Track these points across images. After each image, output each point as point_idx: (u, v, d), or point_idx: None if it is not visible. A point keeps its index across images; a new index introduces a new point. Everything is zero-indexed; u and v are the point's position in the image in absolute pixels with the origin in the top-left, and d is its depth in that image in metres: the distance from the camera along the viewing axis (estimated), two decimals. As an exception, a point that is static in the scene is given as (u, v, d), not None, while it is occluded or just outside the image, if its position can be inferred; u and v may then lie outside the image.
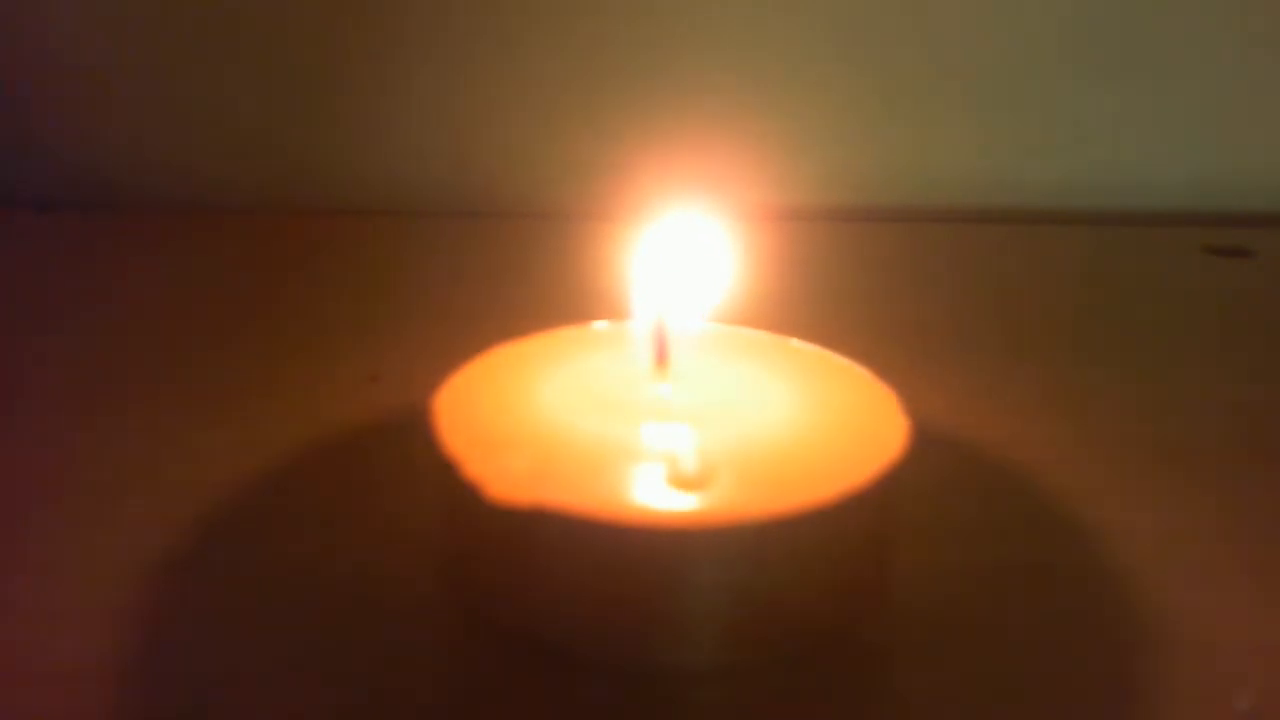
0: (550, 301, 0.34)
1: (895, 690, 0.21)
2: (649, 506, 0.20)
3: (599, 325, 0.26)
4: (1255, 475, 0.28)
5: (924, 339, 0.35)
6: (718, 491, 0.20)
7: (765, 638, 0.21)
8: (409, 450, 0.24)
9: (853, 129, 0.47)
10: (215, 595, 0.23)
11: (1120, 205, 0.48)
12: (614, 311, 0.25)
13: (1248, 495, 0.27)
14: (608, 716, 0.20)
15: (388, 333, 0.35)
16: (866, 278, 0.40)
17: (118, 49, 0.45)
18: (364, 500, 0.26)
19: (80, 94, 0.46)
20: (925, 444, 0.22)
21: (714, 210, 0.25)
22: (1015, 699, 0.21)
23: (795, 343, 0.26)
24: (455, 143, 0.46)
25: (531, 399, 0.23)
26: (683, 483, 0.20)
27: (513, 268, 0.40)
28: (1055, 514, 0.26)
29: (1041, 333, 0.36)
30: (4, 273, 0.40)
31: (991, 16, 0.45)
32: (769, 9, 0.45)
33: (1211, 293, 0.40)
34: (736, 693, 0.20)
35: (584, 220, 0.41)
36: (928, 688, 0.21)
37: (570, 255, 0.38)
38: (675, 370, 0.24)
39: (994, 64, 0.46)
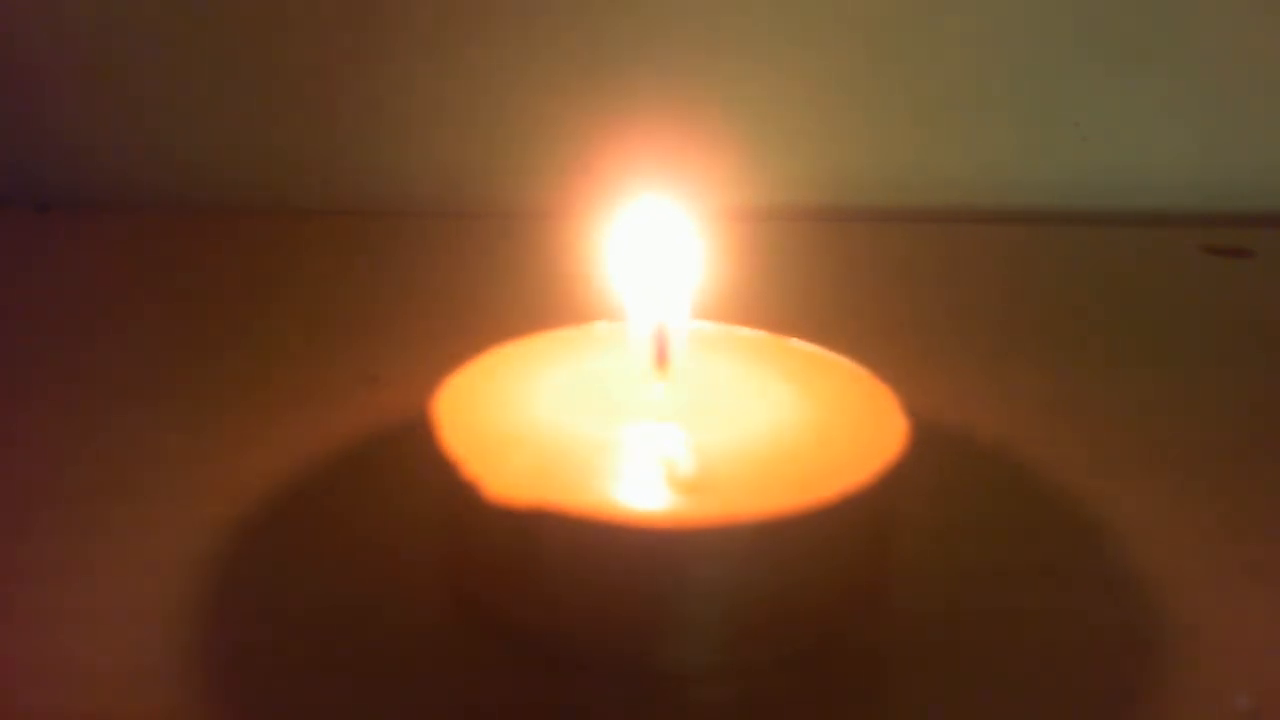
0: (550, 301, 0.34)
1: (895, 690, 0.21)
2: (648, 507, 0.20)
3: (599, 325, 0.26)
4: (1256, 475, 0.28)
5: (924, 339, 0.35)
6: (717, 492, 0.20)
7: (765, 638, 0.21)
8: (408, 450, 0.24)
9: (853, 128, 0.47)
10: (211, 595, 0.23)
11: (1120, 205, 0.48)
12: (613, 311, 0.25)
13: (1248, 495, 0.27)
14: (607, 716, 0.20)
15: (387, 333, 0.35)
16: (866, 278, 0.40)
17: (118, 49, 0.45)
18: (363, 501, 0.26)
19: (80, 94, 0.46)
20: (925, 444, 0.22)
21: (709, 207, 0.25)
22: (1015, 699, 0.21)
23: (795, 343, 0.26)
24: (454, 143, 0.46)
25: (531, 399, 0.23)
26: (682, 483, 0.20)
27: (512, 268, 0.40)
28: (1055, 514, 0.26)
29: (1042, 333, 0.36)
30: (4, 273, 0.40)
31: (991, 15, 0.45)
32: (770, 6, 0.45)
33: (1211, 293, 0.40)
34: (735, 693, 0.20)
35: (584, 220, 0.41)
36: (927, 688, 0.21)
37: (570, 255, 0.38)
38: (675, 370, 0.24)
39: (994, 63, 0.46)
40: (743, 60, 0.45)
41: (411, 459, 0.24)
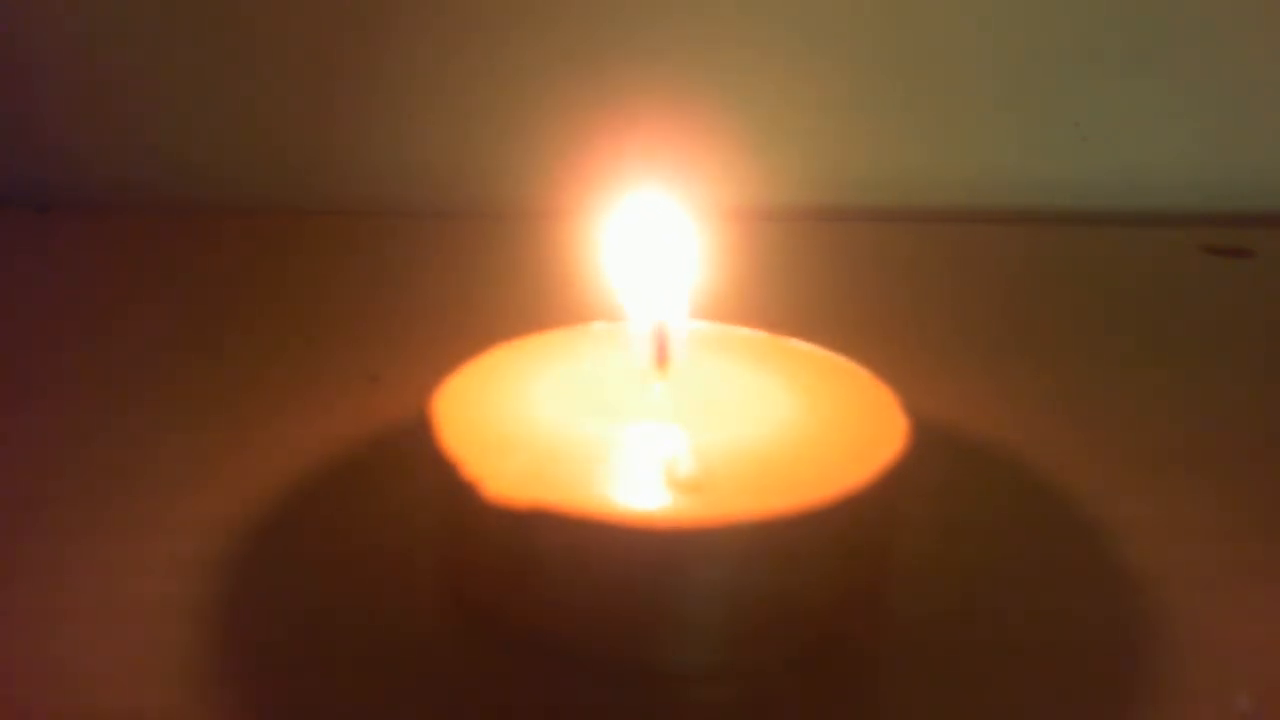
0: (548, 302, 0.34)
1: (894, 690, 0.21)
2: (648, 507, 0.20)
3: (597, 325, 0.26)
4: (1255, 474, 0.28)
5: (924, 339, 0.35)
6: (716, 492, 0.20)
7: (764, 638, 0.21)
8: (408, 451, 0.24)
9: (853, 128, 0.47)
10: (211, 595, 0.23)
11: (1120, 205, 0.48)
12: (612, 311, 0.25)
13: (1248, 494, 0.27)
14: (607, 716, 0.20)
15: (387, 333, 0.35)
16: (866, 278, 0.40)
17: (118, 49, 0.45)
18: (363, 501, 0.26)
19: (81, 94, 0.46)
20: (925, 444, 0.22)
21: (707, 206, 0.25)
22: (1014, 699, 0.21)
23: (794, 343, 0.26)
24: (453, 142, 0.46)
25: (531, 399, 0.23)
26: (681, 483, 0.20)
27: (511, 268, 0.40)
28: (1056, 514, 0.26)
29: (1042, 332, 0.36)
30: (4, 273, 0.40)
31: (991, 14, 0.45)
32: (770, 5, 0.45)
33: (1211, 293, 0.40)
34: (735, 693, 0.20)
35: (583, 220, 0.41)
36: (927, 688, 0.21)
37: (568, 255, 0.38)
38: (674, 370, 0.24)
39: (995, 63, 0.46)
40: (742, 60, 0.45)
41: (411, 459, 0.24)
